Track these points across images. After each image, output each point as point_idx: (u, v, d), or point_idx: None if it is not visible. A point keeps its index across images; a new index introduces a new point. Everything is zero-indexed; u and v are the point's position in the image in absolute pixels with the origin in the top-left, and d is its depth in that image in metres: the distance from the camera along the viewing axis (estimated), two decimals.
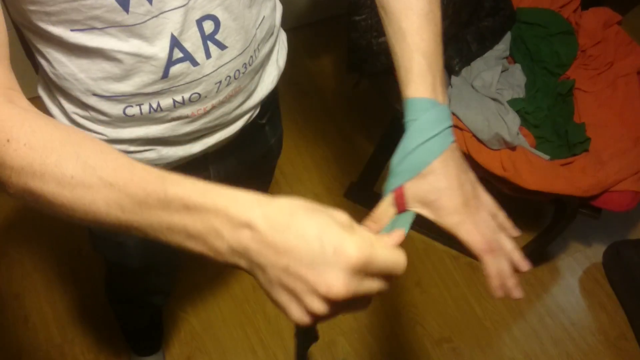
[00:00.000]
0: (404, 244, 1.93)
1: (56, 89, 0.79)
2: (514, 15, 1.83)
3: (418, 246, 1.94)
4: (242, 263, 0.49)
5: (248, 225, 0.47)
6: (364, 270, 0.46)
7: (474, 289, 1.87)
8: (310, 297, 0.46)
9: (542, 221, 2.02)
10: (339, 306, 0.47)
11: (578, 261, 1.97)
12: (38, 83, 0.84)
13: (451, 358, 1.74)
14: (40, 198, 0.51)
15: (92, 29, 0.66)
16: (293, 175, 2.05)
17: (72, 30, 0.66)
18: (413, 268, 1.90)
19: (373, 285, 0.48)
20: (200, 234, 0.48)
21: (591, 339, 1.81)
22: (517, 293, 0.70)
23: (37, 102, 0.68)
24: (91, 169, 0.50)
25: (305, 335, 0.69)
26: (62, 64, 0.72)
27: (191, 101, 0.79)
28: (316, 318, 0.48)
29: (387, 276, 0.49)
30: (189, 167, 0.93)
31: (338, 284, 0.45)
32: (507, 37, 1.81)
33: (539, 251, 1.87)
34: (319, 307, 0.46)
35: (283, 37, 0.97)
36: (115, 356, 1.67)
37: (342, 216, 0.49)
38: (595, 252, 1.99)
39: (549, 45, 1.81)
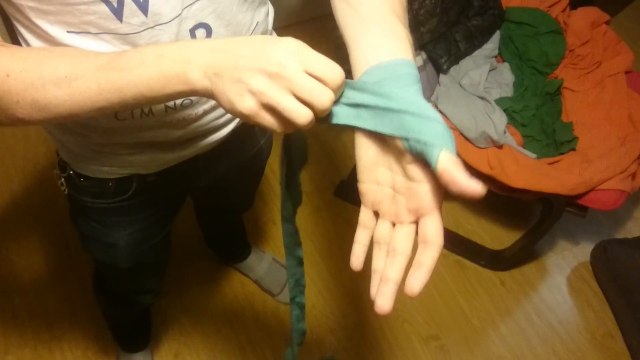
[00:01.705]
0: None
1: None
2: (503, 15, 1.84)
3: None
4: (206, 83, 0.55)
5: (213, 49, 0.55)
6: (302, 59, 0.52)
7: (462, 287, 1.88)
8: (256, 77, 0.52)
9: (530, 220, 2.03)
10: (283, 86, 0.52)
11: (566, 260, 1.98)
12: None
13: (439, 355, 1.74)
14: (47, 106, 0.60)
15: (87, 32, 0.66)
16: None
17: (68, 32, 0.66)
18: None
19: (309, 82, 0.52)
20: (176, 72, 0.55)
21: (578, 337, 1.82)
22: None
23: None
24: (77, 63, 0.58)
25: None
26: None
27: (183, 106, 0.79)
28: (255, 108, 0.53)
29: (321, 81, 0.53)
30: (180, 168, 0.93)
31: (282, 56, 0.52)
32: (496, 36, 1.82)
33: (526, 250, 1.88)
34: (263, 83, 0.52)
35: None
36: (103, 352, 1.67)
37: (298, 49, 0.53)
38: (583, 251, 2.00)
39: (537, 45, 1.82)
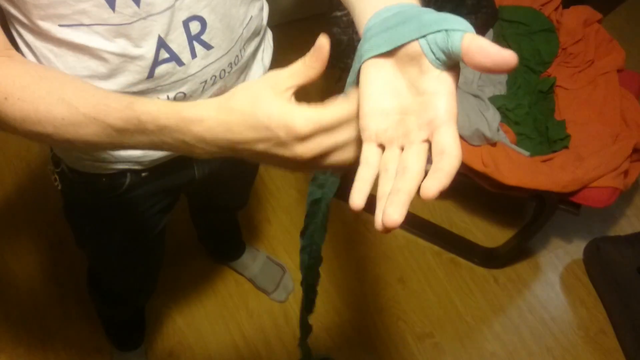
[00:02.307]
0: (388, 239, 1.93)
1: None
2: (496, 13, 1.85)
3: (400, 242, 1.95)
4: (229, 154, 0.55)
5: (212, 141, 0.53)
6: (321, 132, 0.51)
7: (456, 285, 1.89)
8: (291, 164, 0.53)
9: (523, 218, 2.03)
10: (316, 162, 0.53)
11: (559, 257, 1.99)
12: None
13: (433, 353, 1.75)
14: (46, 138, 0.60)
15: (80, 25, 0.66)
16: (277, 172, 2.05)
17: (60, 25, 0.66)
18: (395, 264, 1.91)
19: (336, 136, 0.52)
20: (179, 147, 0.55)
21: (571, 334, 1.83)
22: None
23: None
24: (75, 109, 0.57)
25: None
26: (48, 60, 0.72)
27: (176, 100, 0.79)
28: (313, 169, 0.55)
29: (345, 125, 0.52)
30: (174, 164, 0.93)
31: (302, 153, 0.51)
32: (489, 35, 1.82)
33: (519, 247, 1.89)
34: (303, 168, 0.53)
35: (269, 35, 0.97)
36: (97, 351, 1.66)
37: (275, 81, 0.52)
38: (575, 249, 2.01)
39: (530, 43, 1.82)
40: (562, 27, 1.87)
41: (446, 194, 2.14)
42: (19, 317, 1.70)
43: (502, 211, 2.05)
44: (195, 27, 0.72)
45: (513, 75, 1.79)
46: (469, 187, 1.82)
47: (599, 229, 2.06)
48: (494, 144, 1.57)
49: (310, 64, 0.52)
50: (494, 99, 1.69)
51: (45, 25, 0.66)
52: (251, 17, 0.82)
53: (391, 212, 0.45)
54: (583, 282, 1.94)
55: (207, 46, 0.75)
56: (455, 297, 1.86)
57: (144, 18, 0.67)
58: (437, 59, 0.47)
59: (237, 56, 0.82)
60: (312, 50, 0.53)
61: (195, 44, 0.74)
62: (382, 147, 0.52)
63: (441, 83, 0.48)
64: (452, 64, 0.48)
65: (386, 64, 0.51)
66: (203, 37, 0.74)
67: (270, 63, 0.97)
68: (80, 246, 1.13)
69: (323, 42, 0.52)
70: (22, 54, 0.76)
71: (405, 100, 0.50)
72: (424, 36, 0.48)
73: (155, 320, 1.72)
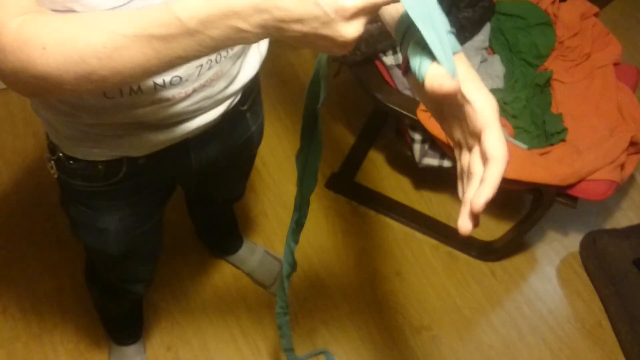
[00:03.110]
0: (385, 233, 1.94)
1: None
2: (493, 7, 1.85)
3: (398, 236, 1.95)
4: (274, 35, 0.54)
5: (259, 11, 0.51)
6: (364, 13, 0.51)
7: (454, 278, 1.89)
8: (333, 44, 0.52)
9: (520, 211, 2.04)
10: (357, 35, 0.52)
11: (555, 250, 2.00)
12: None
13: (430, 346, 1.76)
14: (93, 77, 0.57)
15: (71, 11, 0.65)
16: (274, 164, 2.05)
17: (53, 10, 0.65)
18: (393, 257, 1.91)
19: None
20: (229, 36, 0.53)
21: (568, 327, 1.84)
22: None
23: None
24: (113, 32, 0.54)
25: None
26: None
27: (172, 84, 0.79)
28: (352, 44, 0.53)
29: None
30: (171, 151, 0.93)
31: (347, 33, 0.51)
32: (487, 28, 1.82)
33: (516, 240, 1.89)
34: (344, 45, 0.52)
35: None
36: (95, 346, 1.66)
37: None
38: (572, 242, 2.02)
39: (527, 37, 1.83)
40: (559, 21, 1.87)
41: (443, 187, 2.15)
42: (16, 312, 1.69)
43: (499, 204, 2.06)
44: None
45: (510, 68, 1.79)
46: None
47: (595, 222, 2.07)
48: None
49: None
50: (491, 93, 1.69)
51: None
52: None
53: (460, 224, 0.55)
54: (579, 274, 1.95)
55: None
56: (452, 290, 1.87)
57: (133, 1, 0.66)
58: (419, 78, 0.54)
59: None
60: None
61: None
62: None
63: (473, 90, 0.56)
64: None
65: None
66: None
67: (266, 51, 0.98)
68: (76, 236, 1.12)
69: None
70: None
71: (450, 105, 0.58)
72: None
73: (153, 315, 1.72)
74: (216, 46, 0.54)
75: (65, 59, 0.56)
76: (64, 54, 0.56)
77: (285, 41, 0.55)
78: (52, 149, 0.93)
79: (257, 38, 0.54)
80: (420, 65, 0.54)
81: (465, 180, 0.58)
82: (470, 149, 0.58)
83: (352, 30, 0.51)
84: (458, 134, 0.60)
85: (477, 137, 0.56)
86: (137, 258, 1.23)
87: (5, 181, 1.94)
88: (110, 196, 0.99)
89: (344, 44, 0.52)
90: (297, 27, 0.51)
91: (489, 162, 0.54)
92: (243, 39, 0.54)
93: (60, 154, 0.92)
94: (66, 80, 0.58)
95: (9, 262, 1.78)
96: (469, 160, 0.58)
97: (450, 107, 0.58)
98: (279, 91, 2.22)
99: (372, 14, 0.52)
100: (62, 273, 1.77)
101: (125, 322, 1.59)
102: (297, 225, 0.99)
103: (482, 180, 0.54)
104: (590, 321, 1.86)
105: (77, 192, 0.99)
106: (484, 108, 0.56)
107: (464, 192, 0.57)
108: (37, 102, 0.85)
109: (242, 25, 0.51)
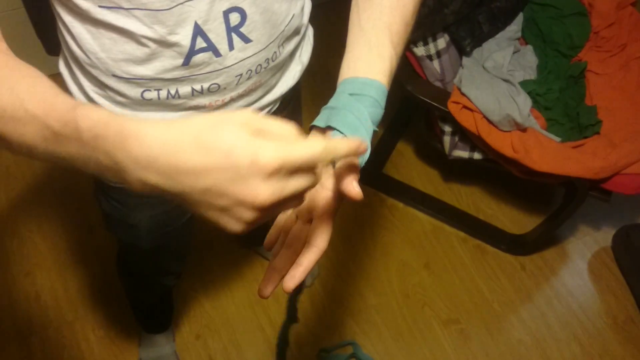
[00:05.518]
0: (414, 225, 1.93)
1: (77, 66, 0.79)
2: None
3: (426, 228, 1.94)
4: (165, 195, 0.48)
5: (147, 165, 0.46)
6: (285, 172, 0.46)
7: (482, 272, 1.88)
8: (239, 209, 0.46)
9: (551, 204, 2.01)
10: (270, 210, 0.48)
11: (587, 245, 1.97)
12: (60, 59, 0.85)
13: (459, 340, 1.75)
14: None
15: (119, 8, 0.66)
16: None
17: (100, 6, 0.66)
18: (421, 250, 1.90)
19: (299, 182, 0.48)
20: (110, 168, 0.48)
21: (599, 322, 1.81)
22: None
23: (57, 78, 0.68)
24: (20, 102, 0.52)
25: (288, 317, 0.81)
26: (85, 41, 0.72)
27: (210, 91, 0.79)
28: (252, 225, 0.49)
29: (310, 169, 0.49)
30: None
31: (263, 192, 0.45)
32: (519, 18, 1.79)
33: (548, 234, 1.87)
34: (250, 216, 0.47)
35: (310, 32, 0.96)
36: (125, 333, 1.68)
37: (248, 118, 0.46)
38: (604, 236, 1.98)
39: (561, 27, 1.79)
40: (594, 11, 1.83)
41: (472, 180, 2.13)
42: (48, 299, 1.72)
43: (529, 197, 2.03)
44: (235, 18, 0.72)
45: (544, 59, 1.76)
46: (495, 173, 1.80)
47: (628, 216, 2.03)
48: (524, 130, 1.55)
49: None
50: (524, 84, 1.66)
51: (85, 4, 0.67)
52: (293, 15, 0.81)
53: (260, 286, 0.64)
54: (611, 269, 1.92)
55: (246, 39, 0.75)
56: (481, 284, 1.85)
57: (182, 4, 0.67)
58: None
59: (275, 52, 0.81)
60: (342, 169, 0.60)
61: (234, 35, 0.73)
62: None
63: (329, 179, 0.62)
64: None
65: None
66: (242, 29, 0.73)
67: (308, 60, 0.96)
68: (109, 230, 1.13)
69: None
70: (61, 35, 0.76)
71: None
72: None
73: (183, 304, 1.74)
74: (96, 170, 0.50)
75: None
76: None
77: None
78: None
79: (141, 187, 0.48)
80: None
81: (288, 241, 0.64)
82: (302, 218, 0.64)
83: (271, 192, 0.45)
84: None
85: (309, 214, 0.63)
86: (168, 252, 1.24)
87: (39, 170, 1.97)
88: (141, 194, 1.00)
89: (256, 208, 0.46)
90: (197, 181, 0.45)
91: (309, 249, 0.61)
92: (124, 180, 0.49)
93: None
94: None
95: (42, 250, 1.81)
96: (307, 230, 0.63)
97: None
98: (307, 85, 2.21)
99: (296, 173, 0.47)
100: (94, 262, 1.79)
101: (155, 311, 1.61)
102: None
103: (298, 264, 0.60)
104: (622, 317, 1.83)
105: (109, 188, 1.00)
106: (332, 201, 0.62)
107: (299, 256, 0.62)
108: (74, 91, 0.85)
109: (129, 165, 0.47)
